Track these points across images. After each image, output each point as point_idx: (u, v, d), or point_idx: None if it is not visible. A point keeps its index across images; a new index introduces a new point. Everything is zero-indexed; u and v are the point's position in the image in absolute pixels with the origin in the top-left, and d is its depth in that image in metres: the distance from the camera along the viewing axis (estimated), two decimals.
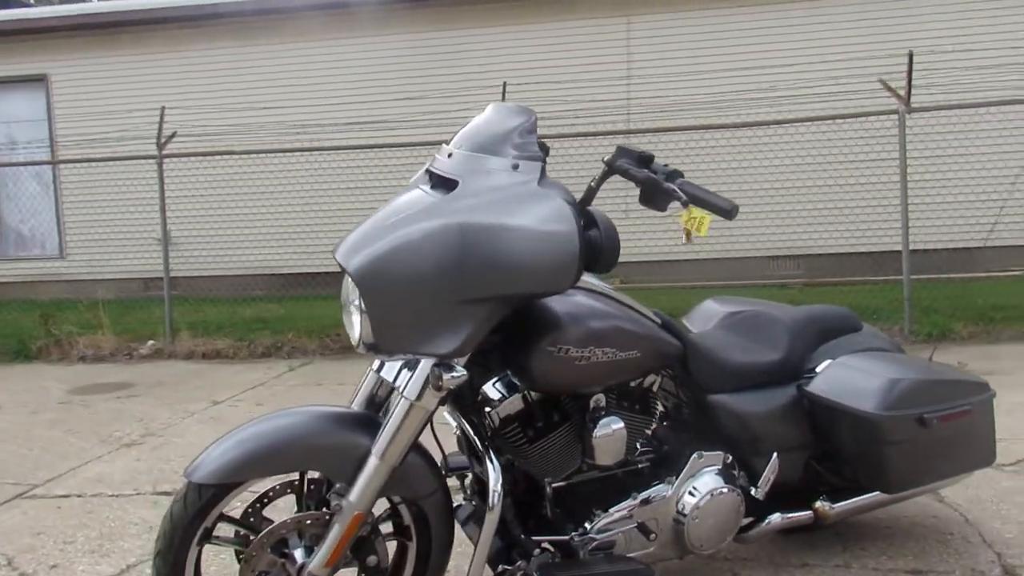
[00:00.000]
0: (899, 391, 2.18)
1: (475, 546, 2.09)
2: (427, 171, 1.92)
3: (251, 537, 1.89)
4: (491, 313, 1.73)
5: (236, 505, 1.89)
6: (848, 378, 2.25)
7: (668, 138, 7.27)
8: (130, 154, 7.53)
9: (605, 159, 1.83)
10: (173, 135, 6.85)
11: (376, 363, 1.99)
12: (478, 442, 1.89)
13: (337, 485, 1.84)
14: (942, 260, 6.78)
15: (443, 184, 1.80)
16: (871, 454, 2.22)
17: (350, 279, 1.77)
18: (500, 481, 1.80)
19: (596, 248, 1.71)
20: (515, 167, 1.71)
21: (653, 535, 2.06)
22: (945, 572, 2.38)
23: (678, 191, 1.71)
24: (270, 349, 6.56)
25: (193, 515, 1.78)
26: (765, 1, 8.05)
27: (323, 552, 1.80)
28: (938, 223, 6.98)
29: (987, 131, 6.90)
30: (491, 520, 1.81)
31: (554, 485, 2.04)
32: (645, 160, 1.78)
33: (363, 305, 1.72)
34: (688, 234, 1.71)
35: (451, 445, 2.21)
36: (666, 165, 1.77)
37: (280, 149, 7.45)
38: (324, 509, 1.89)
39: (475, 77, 8.14)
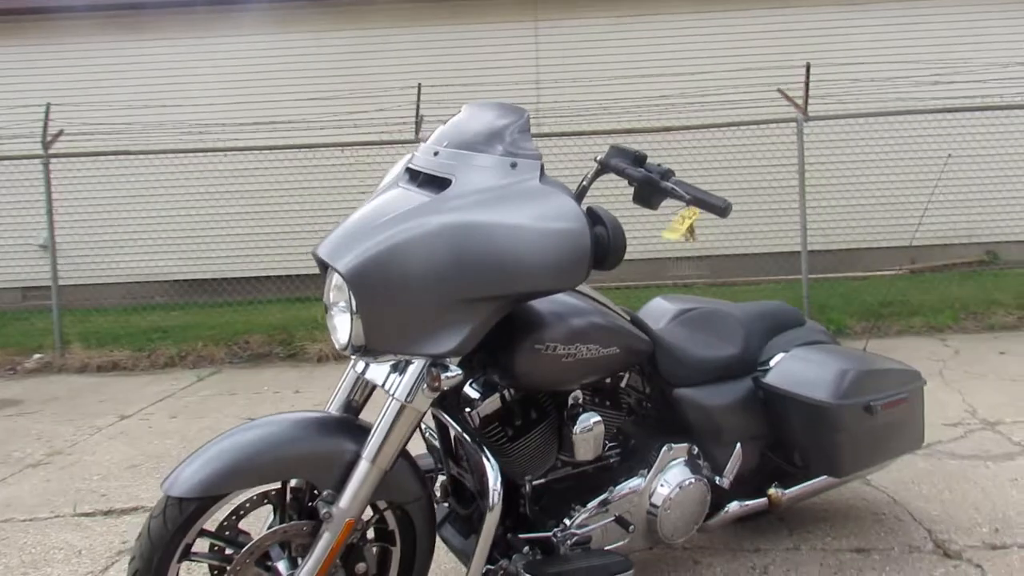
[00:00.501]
0: (849, 381, 2.32)
1: (453, 550, 2.09)
2: (407, 169, 1.89)
3: (227, 551, 1.81)
4: (494, 312, 1.72)
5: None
6: (801, 370, 2.37)
7: (577, 142, 7.42)
8: (10, 153, 7.01)
9: (598, 158, 1.86)
10: (60, 133, 6.43)
11: (360, 365, 1.94)
12: (470, 441, 1.87)
13: (324, 493, 1.78)
14: (835, 260, 7.22)
15: (431, 183, 1.78)
16: (823, 440, 2.35)
17: (339, 279, 1.72)
18: (499, 479, 1.79)
19: (603, 246, 1.72)
20: (513, 165, 1.71)
21: (632, 527, 2.11)
22: (885, 549, 2.54)
23: (679, 190, 1.75)
24: (173, 359, 6.23)
25: (174, 531, 1.68)
26: (670, 11, 8.34)
27: (313, 562, 1.74)
28: (832, 225, 7.43)
29: (876, 139, 7.40)
30: (492, 519, 1.80)
31: (534, 483, 2.06)
32: (639, 159, 1.82)
33: (355, 306, 1.67)
34: (692, 230, 1.76)
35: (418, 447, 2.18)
36: (659, 164, 1.81)
37: (179, 149, 7.09)
38: (303, 518, 1.83)
39: (384, 78, 8.04)
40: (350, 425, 1.87)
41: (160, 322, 7.05)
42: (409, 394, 1.75)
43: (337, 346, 1.81)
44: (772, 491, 2.44)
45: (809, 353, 2.45)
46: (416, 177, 1.84)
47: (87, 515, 3.13)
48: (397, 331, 1.69)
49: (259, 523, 1.90)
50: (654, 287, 7.97)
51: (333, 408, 1.98)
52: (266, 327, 6.67)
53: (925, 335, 5.87)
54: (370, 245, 1.67)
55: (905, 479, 3.06)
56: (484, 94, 8.11)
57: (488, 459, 1.82)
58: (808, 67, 6.13)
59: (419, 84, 6.42)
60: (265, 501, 1.86)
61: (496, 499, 1.78)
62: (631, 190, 1.90)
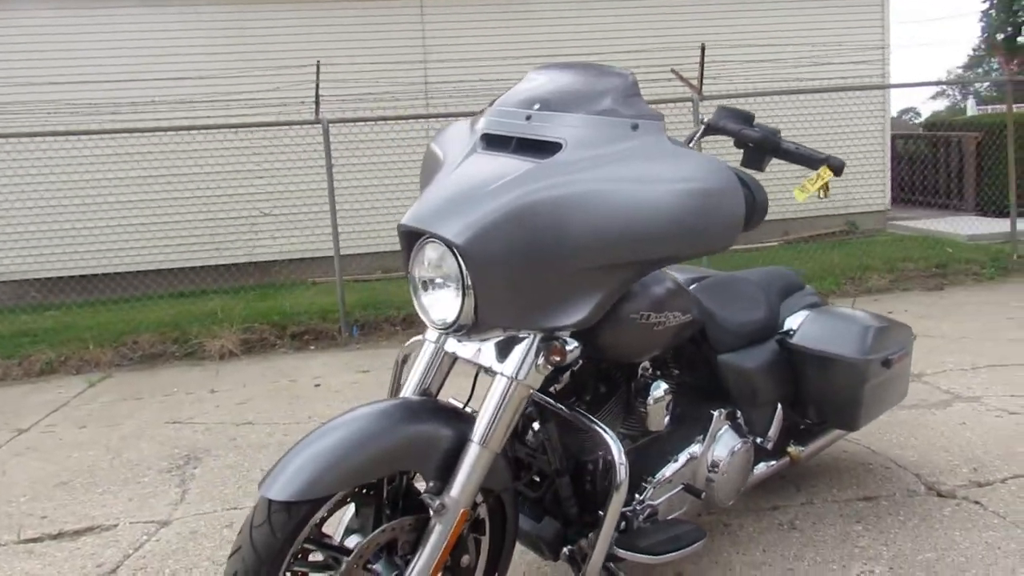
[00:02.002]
0: (871, 338, 2.43)
1: (520, 537, 1.99)
2: (485, 136, 1.76)
3: (311, 558, 1.64)
4: (629, 279, 1.65)
5: None
6: (827, 330, 2.46)
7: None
8: None
9: (706, 119, 1.81)
10: None
11: (452, 345, 1.79)
12: (582, 418, 1.79)
13: (430, 484, 1.65)
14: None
15: (530, 148, 1.65)
16: (848, 395, 2.45)
17: (439, 251, 1.58)
18: (623, 453, 1.73)
19: (749, 205, 1.68)
20: (634, 127, 1.62)
21: (703, 494, 2.11)
22: (888, 495, 2.70)
23: (806, 148, 1.74)
24: (52, 365, 5.61)
25: (284, 539, 1.50)
26: None
27: (427, 557, 1.61)
28: None
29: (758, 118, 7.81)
30: (619, 498, 1.72)
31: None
32: (749, 120, 1.79)
33: (469, 280, 1.55)
34: (827, 187, 1.76)
35: None
36: (765, 124, 1.79)
37: (44, 133, 6.34)
38: (398, 515, 1.70)
39: (267, 57, 7.57)
40: (441, 410, 1.74)
41: (29, 325, 6.32)
42: (523, 371, 1.65)
43: (434, 325, 1.68)
44: (792, 449, 2.53)
45: (826, 315, 2.55)
46: (503, 143, 1.71)
47: (34, 541, 2.75)
48: (516, 304, 1.58)
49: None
50: None
51: (408, 394, 1.84)
52: (155, 325, 6.15)
53: None
54: (484, 212, 1.54)
55: (871, 431, 3.26)
56: (372, 73, 7.85)
57: (607, 432, 1.74)
58: (703, 48, 6.37)
59: (318, 62, 6.09)
60: (348, 501, 1.70)
61: (624, 474, 1.71)
62: None
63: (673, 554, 1.95)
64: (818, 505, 2.66)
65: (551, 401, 1.83)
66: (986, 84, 30.46)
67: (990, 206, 8.53)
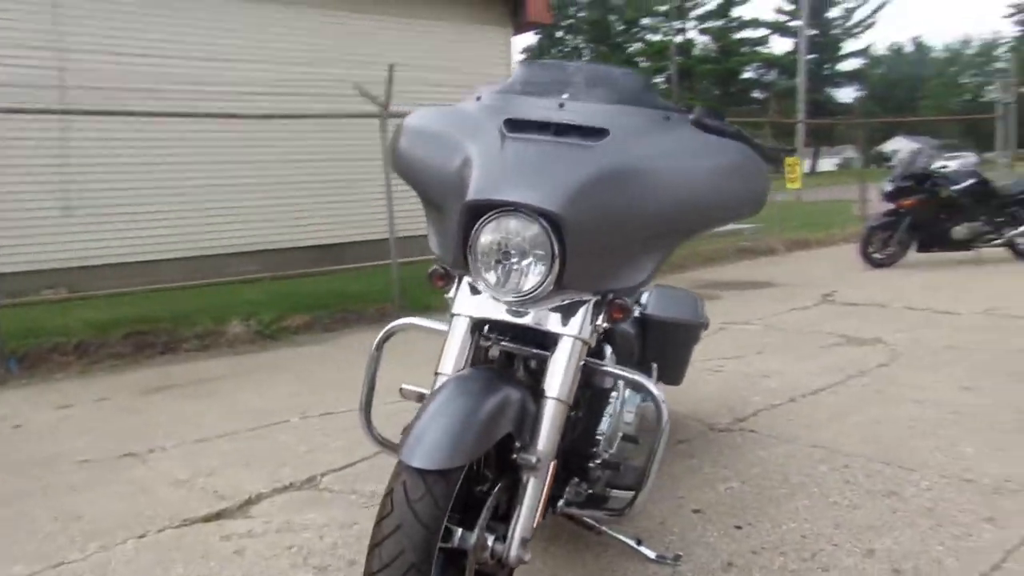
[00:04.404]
0: (699, 306, 3.02)
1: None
2: (511, 121, 1.86)
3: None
4: (678, 242, 1.89)
5: None
6: (670, 303, 2.97)
7: (107, 124, 6.71)
8: None
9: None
10: None
11: (495, 313, 1.81)
12: (624, 372, 1.96)
13: (516, 444, 1.72)
14: (420, 245, 7.94)
15: (571, 133, 1.79)
16: (683, 354, 3.00)
17: (521, 221, 1.68)
18: (664, 398, 1.95)
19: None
20: (667, 118, 1.88)
21: (639, 439, 2.43)
22: (691, 437, 3.31)
23: (768, 145, 2.15)
24: None
25: (444, 508, 1.47)
26: None
27: (528, 510, 1.67)
28: (416, 212, 8.11)
29: None
30: (664, 439, 1.90)
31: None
32: (722, 118, 2.14)
33: (560, 247, 1.68)
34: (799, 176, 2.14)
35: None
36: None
37: None
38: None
39: None
40: (499, 375, 1.80)
41: None
42: (585, 331, 1.80)
43: (504, 296, 1.76)
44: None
45: (662, 291, 3.07)
46: (534, 128, 1.83)
47: None
48: (595, 268, 1.75)
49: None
50: (224, 284, 7.62)
51: (447, 371, 1.84)
52: None
53: None
54: (570, 183, 1.67)
55: None
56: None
57: (645, 379, 1.95)
58: (391, 68, 6.63)
59: None
60: None
61: (667, 415, 1.91)
62: None
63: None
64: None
65: (594, 360, 1.98)
66: None
67: None
